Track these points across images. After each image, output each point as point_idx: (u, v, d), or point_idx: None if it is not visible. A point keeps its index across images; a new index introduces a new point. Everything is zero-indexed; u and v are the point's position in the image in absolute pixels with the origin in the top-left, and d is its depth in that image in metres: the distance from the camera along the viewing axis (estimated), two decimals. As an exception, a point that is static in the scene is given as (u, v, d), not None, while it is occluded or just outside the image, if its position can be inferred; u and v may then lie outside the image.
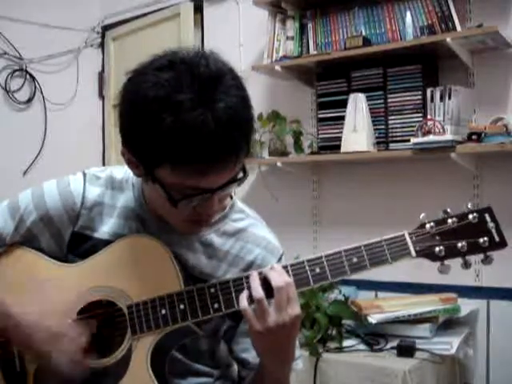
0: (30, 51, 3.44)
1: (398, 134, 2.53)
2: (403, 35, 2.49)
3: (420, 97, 2.47)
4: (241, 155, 1.00)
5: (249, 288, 1.05)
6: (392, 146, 2.55)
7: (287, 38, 2.81)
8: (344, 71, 2.66)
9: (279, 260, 1.23)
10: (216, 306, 1.08)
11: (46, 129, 3.54)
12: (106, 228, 1.17)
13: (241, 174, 1.04)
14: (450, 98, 2.38)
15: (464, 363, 2.37)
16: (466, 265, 1.06)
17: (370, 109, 2.56)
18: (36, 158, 3.47)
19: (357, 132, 2.53)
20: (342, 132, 2.59)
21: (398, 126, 2.53)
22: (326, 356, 2.20)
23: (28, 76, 3.47)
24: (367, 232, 2.52)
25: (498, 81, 2.47)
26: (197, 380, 1.21)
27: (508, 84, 2.47)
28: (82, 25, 3.72)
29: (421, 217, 1.08)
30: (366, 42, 2.56)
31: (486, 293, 2.47)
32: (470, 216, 1.06)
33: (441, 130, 2.34)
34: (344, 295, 2.40)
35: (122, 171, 1.21)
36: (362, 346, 2.27)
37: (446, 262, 1.06)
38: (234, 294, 1.07)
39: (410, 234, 1.07)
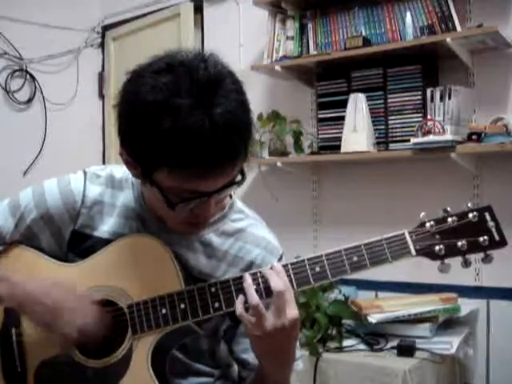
0: (30, 51, 3.44)
1: (398, 134, 2.53)
2: (403, 35, 2.49)
3: (420, 97, 2.47)
4: (239, 159, 1.00)
5: (244, 293, 1.05)
6: (392, 146, 2.55)
7: (287, 38, 2.81)
8: (344, 71, 2.66)
9: (279, 260, 1.22)
10: (217, 305, 1.08)
11: (46, 129, 3.54)
12: (106, 227, 1.17)
13: (239, 177, 1.04)
14: (450, 98, 2.38)
15: (464, 363, 2.37)
16: (466, 263, 1.06)
17: (370, 109, 2.56)
18: (36, 158, 3.47)
19: (357, 132, 2.53)
20: (342, 132, 2.59)
21: (398, 126, 2.53)
22: (326, 356, 2.20)
23: (28, 76, 3.47)
24: (367, 232, 2.52)
25: (498, 81, 2.47)
26: (197, 380, 1.21)
27: (508, 84, 2.47)
28: (82, 25, 3.72)
29: (421, 216, 1.08)
30: (366, 42, 2.56)
31: (485, 292, 2.47)
32: (470, 215, 1.06)
33: (441, 130, 2.34)
34: (344, 295, 2.40)
35: (122, 170, 1.21)
36: (362, 346, 2.27)
37: (446, 260, 1.06)
38: (234, 294, 1.07)
39: (409, 232, 1.07)
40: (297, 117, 2.89)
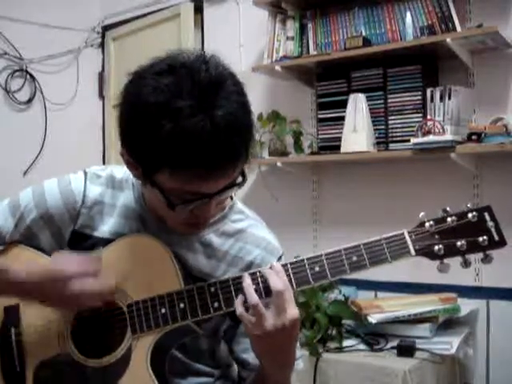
0: (30, 51, 3.44)
1: (398, 134, 2.53)
2: (403, 35, 2.49)
3: (420, 97, 2.47)
4: (240, 161, 1.00)
5: (244, 293, 1.05)
6: (392, 146, 2.55)
7: (287, 38, 2.81)
8: (344, 71, 2.66)
9: (279, 260, 1.22)
10: (216, 304, 1.08)
11: (46, 129, 3.54)
12: (106, 227, 1.17)
13: (240, 179, 1.04)
14: (449, 98, 2.38)
15: (464, 363, 2.37)
16: (466, 264, 1.06)
17: (370, 109, 2.56)
18: (36, 158, 3.47)
19: (357, 132, 2.53)
20: (341, 132, 2.59)
21: (398, 126, 2.53)
22: (326, 356, 2.20)
23: (28, 76, 3.48)
24: (367, 232, 2.52)
25: (497, 81, 2.47)
26: (197, 380, 1.21)
27: (508, 84, 2.47)
28: (82, 25, 3.72)
29: (420, 215, 1.08)
30: (366, 42, 2.56)
31: (485, 293, 2.47)
32: (470, 215, 1.06)
33: (441, 130, 2.34)
34: (344, 295, 2.40)
35: (122, 171, 1.21)
36: (362, 346, 2.27)
37: (446, 260, 1.06)
38: (234, 293, 1.07)
39: (409, 232, 1.07)
40: (297, 117, 2.89)
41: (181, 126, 0.93)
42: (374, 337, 2.31)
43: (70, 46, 3.64)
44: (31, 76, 3.48)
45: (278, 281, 1.04)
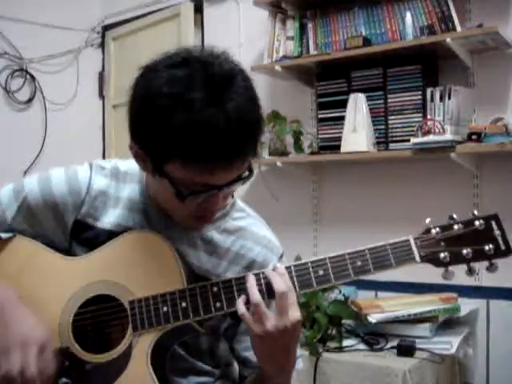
0: (29, 51, 3.44)
1: (398, 133, 2.53)
2: (403, 35, 2.50)
3: (420, 97, 2.47)
4: (249, 154, 1.02)
5: (246, 292, 1.05)
6: (392, 146, 2.55)
7: (287, 38, 2.82)
8: (344, 71, 2.66)
9: (280, 258, 1.23)
10: (218, 304, 1.08)
11: (46, 129, 3.54)
12: (109, 218, 1.17)
13: (246, 173, 1.05)
14: (449, 97, 2.39)
15: (464, 363, 2.37)
16: (471, 271, 1.05)
17: (370, 109, 2.56)
18: (36, 158, 3.47)
19: (357, 132, 2.53)
20: (341, 132, 2.59)
21: (398, 125, 2.53)
22: (326, 356, 2.20)
23: (28, 76, 3.48)
24: (367, 232, 2.54)
25: (498, 81, 2.47)
26: (198, 379, 1.21)
27: (508, 84, 2.47)
28: (82, 25, 3.72)
29: (427, 221, 1.07)
30: (366, 42, 2.56)
31: (485, 292, 2.47)
32: (477, 222, 1.05)
33: (441, 130, 2.34)
34: (344, 295, 2.40)
35: (127, 164, 1.22)
36: (361, 346, 2.27)
37: (450, 268, 1.05)
38: (236, 294, 1.07)
39: (415, 238, 1.06)
40: (297, 117, 2.89)
41: (195, 117, 0.95)
42: (373, 337, 2.31)
43: (69, 46, 3.64)
44: (31, 76, 3.48)
45: (281, 283, 1.04)
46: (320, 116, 2.74)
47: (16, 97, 3.43)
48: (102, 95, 3.84)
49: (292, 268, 1.08)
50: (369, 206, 2.77)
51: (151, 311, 1.08)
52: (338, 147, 2.61)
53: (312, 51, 2.75)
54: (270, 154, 2.89)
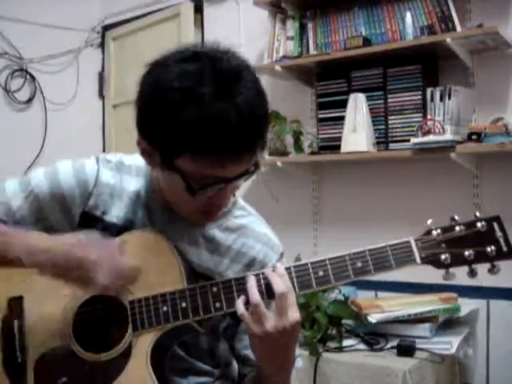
0: (30, 51, 3.44)
1: (398, 133, 2.53)
2: (403, 35, 2.50)
3: (420, 97, 2.47)
4: (258, 147, 1.03)
5: (246, 292, 1.05)
6: (392, 146, 2.55)
7: (287, 38, 2.82)
8: (344, 71, 2.66)
9: (280, 257, 1.24)
10: (218, 305, 1.08)
11: (46, 129, 3.54)
12: (115, 211, 1.18)
13: (252, 168, 1.06)
14: (449, 98, 2.39)
15: (464, 363, 2.37)
16: (472, 273, 1.05)
17: (370, 109, 2.56)
18: (36, 158, 3.47)
19: (357, 132, 2.53)
20: (341, 132, 2.59)
21: (398, 125, 2.53)
22: (326, 356, 2.20)
23: (28, 76, 3.48)
24: (367, 232, 2.54)
25: (498, 81, 2.47)
26: (197, 379, 1.21)
27: (508, 84, 2.47)
28: (82, 25, 3.72)
29: (428, 223, 1.06)
30: (366, 42, 2.56)
31: (485, 292, 2.47)
32: (479, 224, 1.04)
33: (441, 130, 2.34)
34: (344, 295, 2.40)
35: (131, 158, 1.23)
36: (361, 346, 2.27)
37: (451, 269, 1.05)
38: (235, 294, 1.07)
39: (415, 240, 1.06)
40: (297, 117, 2.89)
41: (206, 111, 0.96)
42: (373, 337, 2.31)
43: (69, 46, 3.65)
44: (31, 76, 3.49)
45: (281, 283, 1.04)
46: (320, 116, 2.74)
47: (16, 97, 3.43)
48: (101, 95, 3.84)
49: (292, 269, 1.08)
50: (369, 205, 2.77)
51: (151, 311, 1.09)
52: (338, 147, 2.61)
53: (312, 51, 2.75)
54: (270, 154, 2.89)
